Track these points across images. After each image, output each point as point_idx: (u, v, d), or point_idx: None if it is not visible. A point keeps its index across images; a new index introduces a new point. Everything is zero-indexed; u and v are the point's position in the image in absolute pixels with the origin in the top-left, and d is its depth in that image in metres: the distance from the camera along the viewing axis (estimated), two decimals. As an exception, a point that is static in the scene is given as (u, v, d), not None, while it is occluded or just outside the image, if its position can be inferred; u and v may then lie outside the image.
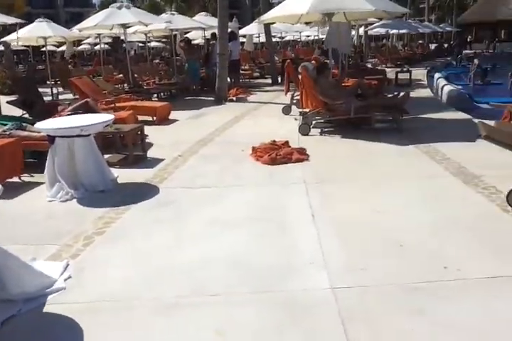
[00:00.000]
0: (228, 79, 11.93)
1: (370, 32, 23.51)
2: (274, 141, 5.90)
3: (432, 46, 31.72)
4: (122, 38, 12.27)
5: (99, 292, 2.75)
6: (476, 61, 17.17)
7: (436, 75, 13.68)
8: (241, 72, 14.52)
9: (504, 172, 4.47)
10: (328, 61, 9.07)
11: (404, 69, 14.04)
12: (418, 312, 2.46)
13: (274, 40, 20.73)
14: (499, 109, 7.23)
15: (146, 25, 11.72)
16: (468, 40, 39.49)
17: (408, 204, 4.02)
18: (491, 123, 5.61)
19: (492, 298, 2.56)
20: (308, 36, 28.13)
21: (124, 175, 4.95)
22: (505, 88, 14.14)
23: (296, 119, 7.73)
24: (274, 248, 3.26)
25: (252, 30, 19.28)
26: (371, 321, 2.40)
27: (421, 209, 3.86)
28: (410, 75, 13.36)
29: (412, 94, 8.70)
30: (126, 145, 5.66)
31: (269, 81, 14.51)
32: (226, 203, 4.17)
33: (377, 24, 21.82)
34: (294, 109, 8.35)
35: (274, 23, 14.93)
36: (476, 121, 5.87)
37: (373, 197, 4.22)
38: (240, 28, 17.78)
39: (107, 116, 4.92)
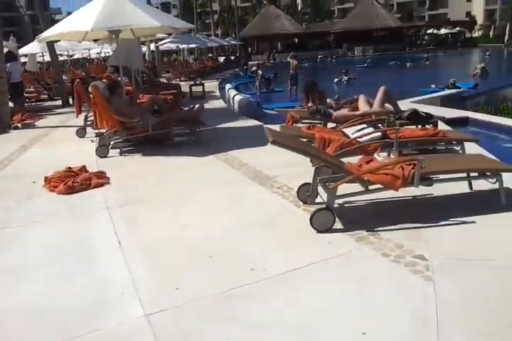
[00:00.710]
0: (11, 104, 10.78)
1: (161, 47, 23.95)
2: (70, 168, 5.48)
3: (221, 59, 33.88)
4: None
5: None
6: (259, 72, 18.96)
7: (227, 86, 14.65)
8: (25, 95, 13.30)
9: (293, 171, 4.93)
10: (120, 78, 8.87)
11: (197, 82, 14.67)
12: (232, 319, 2.52)
13: (61, 58, 19.53)
14: (282, 114, 8.03)
15: None
16: (250, 51, 43.39)
17: (212, 212, 4.14)
18: (277, 127, 6.22)
19: (295, 291, 2.77)
20: (98, 53, 27.23)
21: None
22: (286, 94, 15.97)
23: (92, 141, 7.33)
24: (80, 286, 2.98)
25: (35, 49, 17.82)
26: (188, 340, 2.38)
27: (225, 216, 4.01)
28: (203, 88, 13.98)
29: (207, 106, 9.08)
30: None
31: (60, 103, 13.56)
32: (19, 246, 3.69)
33: (167, 40, 22.36)
34: (90, 131, 7.94)
35: (58, 40, 14.05)
36: (265, 127, 6.39)
37: (180, 211, 4.23)
38: (19, 47, 16.25)
39: None
